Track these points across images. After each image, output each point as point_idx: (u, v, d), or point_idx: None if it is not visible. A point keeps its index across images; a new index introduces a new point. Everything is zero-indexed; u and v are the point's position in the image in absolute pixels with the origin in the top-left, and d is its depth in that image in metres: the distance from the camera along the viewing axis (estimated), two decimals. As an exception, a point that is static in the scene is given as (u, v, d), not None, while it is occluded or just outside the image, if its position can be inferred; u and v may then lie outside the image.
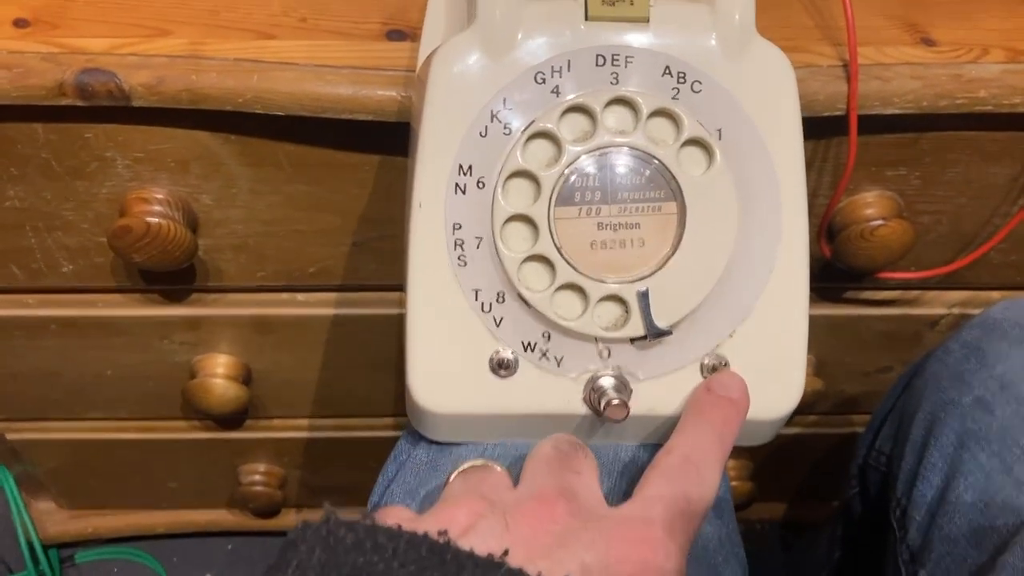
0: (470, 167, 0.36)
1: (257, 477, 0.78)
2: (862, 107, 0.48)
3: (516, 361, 0.37)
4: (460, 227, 0.36)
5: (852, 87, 0.47)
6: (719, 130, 0.37)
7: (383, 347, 0.66)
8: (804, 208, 0.38)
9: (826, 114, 0.48)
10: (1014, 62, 0.49)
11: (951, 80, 0.48)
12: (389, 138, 0.51)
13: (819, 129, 0.49)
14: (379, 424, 0.74)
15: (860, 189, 0.55)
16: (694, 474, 0.34)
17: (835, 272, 0.57)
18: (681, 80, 0.36)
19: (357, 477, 0.80)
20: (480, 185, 0.36)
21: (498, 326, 0.36)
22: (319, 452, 0.77)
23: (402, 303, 0.63)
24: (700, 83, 0.36)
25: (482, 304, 0.36)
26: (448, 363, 0.37)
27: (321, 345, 0.66)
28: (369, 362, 0.68)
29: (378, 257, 0.59)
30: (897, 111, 0.48)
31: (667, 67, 0.36)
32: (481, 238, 0.36)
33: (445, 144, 0.36)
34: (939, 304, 0.63)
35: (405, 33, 0.50)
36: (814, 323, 0.39)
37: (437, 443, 0.40)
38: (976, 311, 0.63)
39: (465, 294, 0.36)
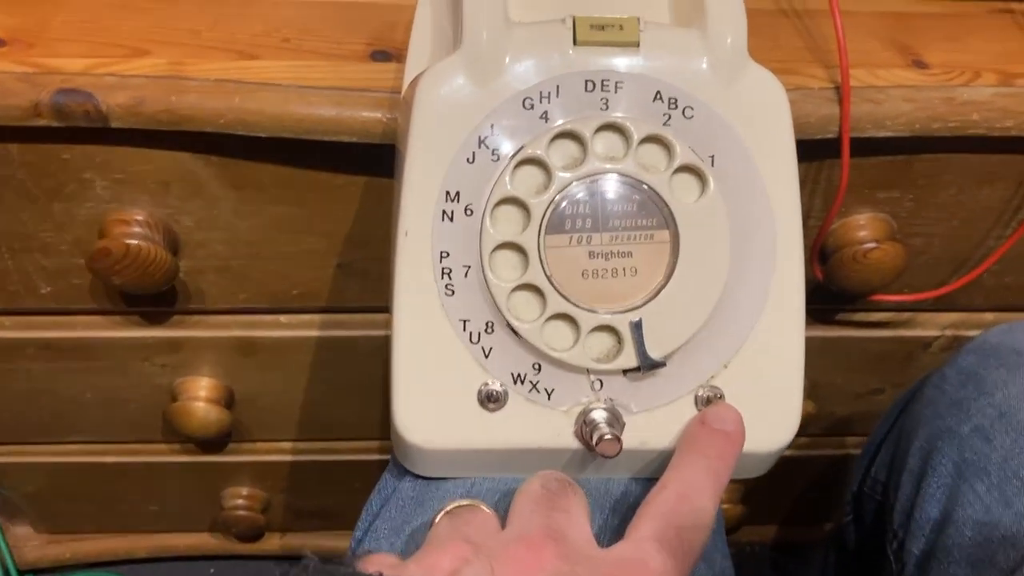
0: (457, 194, 0.35)
1: (240, 501, 0.77)
2: (855, 130, 0.47)
3: (505, 394, 0.36)
4: (447, 255, 0.35)
5: (844, 110, 0.47)
6: (712, 156, 0.36)
7: (368, 370, 0.65)
8: (799, 236, 0.37)
9: (818, 137, 0.47)
10: (1006, 85, 0.48)
11: (944, 103, 0.47)
12: (374, 159, 0.50)
13: (811, 151, 0.48)
14: (364, 447, 0.73)
15: (852, 211, 0.54)
16: (689, 511, 0.33)
17: (827, 294, 0.57)
18: (672, 106, 0.35)
19: (342, 500, 0.79)
20: (468, 212, 0.35)
21: (487, 357, 0.35)
22: (303, 476, 0.75)
23: (388, 325, 0.62)
24: (692, 109, 0.36)
25: (470, 335, 0.35)
26: (435, 396, 0.36)
27: (305, 368, 0.65)
28: (354, 385, 0.66)
29: (363, 279, 0.58)
30: (890, 134, 0.48)
31: (658, 92, 0.35)
32: (469, 267, 0.35)
33: (431, 170, 0.35)
34: (932, 326, 0.63)
35: (390, 54, 0.49)
36: (806, 345, 0.39)
37: (423, 477, 0.39)
38: (969, 332, 0.63)
39: (452, 324, 0.35)
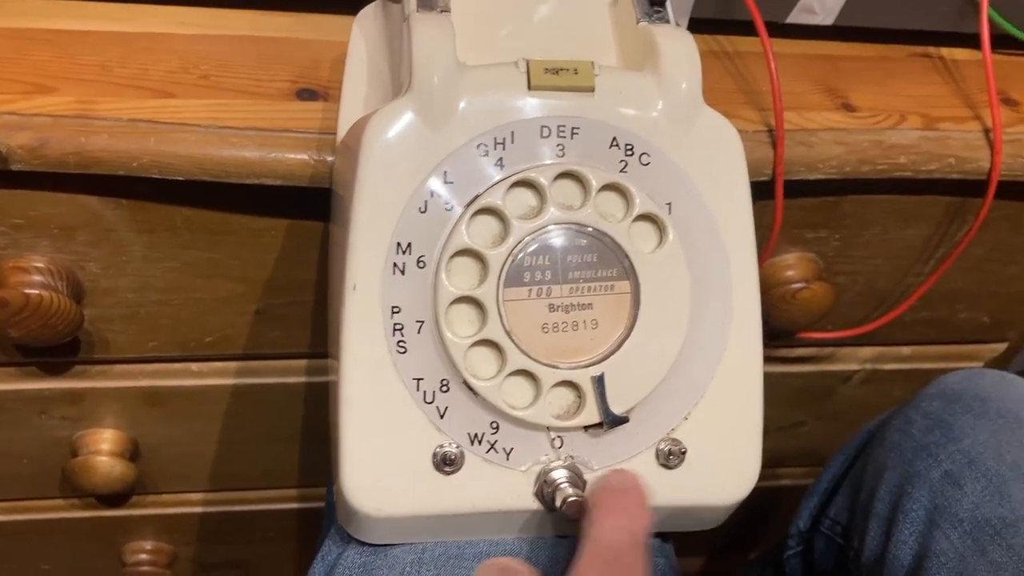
0: (409, 245, 0.33)
1: (144, 556, 0.72)
2: (788, 172, 0.48)
3: (461, 455, 0.34)
4: (399, 310, 0.33)
5: (779, 153, 0.47)
6: (669, 204, 0.35)
7: (284, 417, 0.62)
8: (755, 284, 0.36)
9: (752, 180, 0.47)
10: (931, 129, 0.49)
11: (873, 146, 0.48)
12: (298, 202, 0.48)
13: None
14: (279, 496, 0.70)
15: (781, 251, 0.54)
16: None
17: (754, 332, 0.57)
18: (629, 152, 0.35)
19: (256, 550, 0.75)
20: (420, 264, 0.33)
21: (442, 418, 0.34)
22: (213, 527, 0.72)
23: (309, 371, 0.59)
24: (648, 155, 0.35)
25: (424, 394, 0.33)
26: (387, 461, 0.34)
27: (218, 417, 0.61)
28: (270, 433, 0.63)
29: (283, 324, 0.55)
30: (821, 176, 0.48)
31: (614, 139, 0.34)
32: (422, 322, 0.33)
33: (381, 220, 0.33)
34: (852, 360, 0.64)
35: (316, 92, 0.47)
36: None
37: (370, 544, 0.37)
38: (888, 366, 0.64)
39: (405, 384, 0.33)
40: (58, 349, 0.54)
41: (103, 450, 0.60)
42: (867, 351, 0.64)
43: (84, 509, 0.68)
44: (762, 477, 0.73)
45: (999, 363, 0.66)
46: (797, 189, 0.49)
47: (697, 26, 0.50)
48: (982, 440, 0.43)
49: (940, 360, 0.64)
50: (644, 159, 0.35)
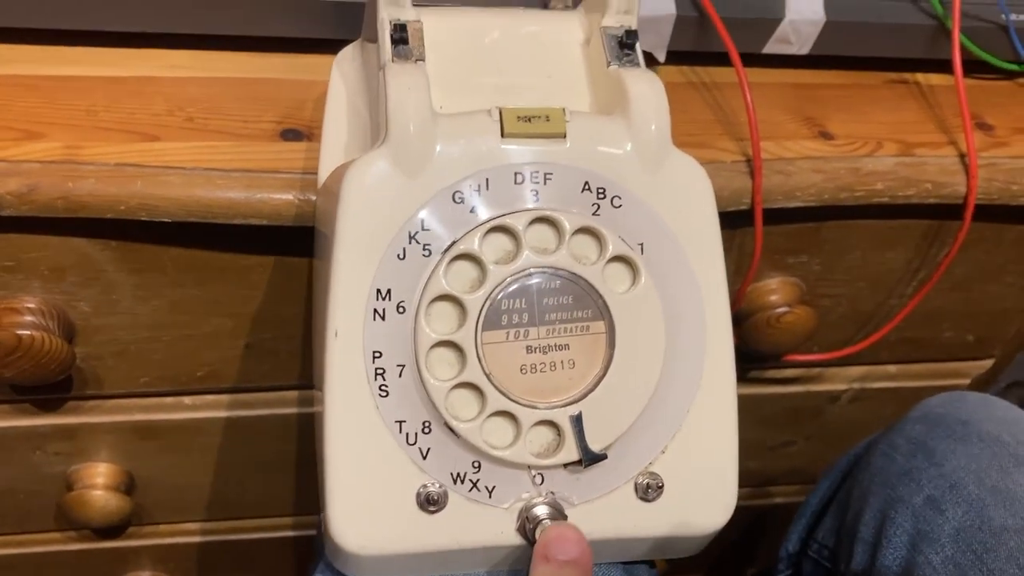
0: (389, 291, 0.34)
1: (141, 587, 0.73)
2: (766, 201, 0.48)
3: (445, 495, 0.34)
4: (380, 355, 0.34)
5: (756, 183, 0.48)
6: (641, 245, 0.36)
7: (277, 447, 0.63)
8: (727, 319, 0.37)
9: (731, 209, 0.48)
10: (906, 155, 0.50)
11: (850, 174, 0.49)
12: (284, 240, 0.49)
13: (724, 221, 0.48)
14: (274, 525, 0.70)
15: (763, 276, 0.55)
16: None
17: (740, 355, 0.57)
18: (601, 195, 0.35)
19: (250, 580, 0.76)
20: (400, 310, 0.34)
21: (424, 459, 0.34)
22: (210, 557, 0.72)
23: (300, 402, 0.60)
24: (620, 198, 0.36)
25: (407, 436, 0.34)
26: (371, 501, 0.34)
27: (212, 448, 0.62)
28: (264, 463, 0.64)
29: (273, 357, 0.56)
30: (800, 204, 0.49)
31: (586, 183, 0.35)
32: (403, 366, 0.34)
33: (361, 269, 0.34)
34: (840, 380, 0.65)
35: (301, 132, 0.48)
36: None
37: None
38: (875, 385, 0.64)
39: (388, 426, 0.34)
40: (51, 386, 0.54)
41: (98, 484, 0.61)
42: (855, 371, 0.65)
43: (81, 541, 0.68)
44: (755, 496, 0.75)
45: (986, 379, 0.67)
46: (777, 216, 0.50)
47: (675, 58, 0.51)
48: (963, 464, 0.44)
49: (927, 378, 0.65)
50: (616, 201, 0.35)
